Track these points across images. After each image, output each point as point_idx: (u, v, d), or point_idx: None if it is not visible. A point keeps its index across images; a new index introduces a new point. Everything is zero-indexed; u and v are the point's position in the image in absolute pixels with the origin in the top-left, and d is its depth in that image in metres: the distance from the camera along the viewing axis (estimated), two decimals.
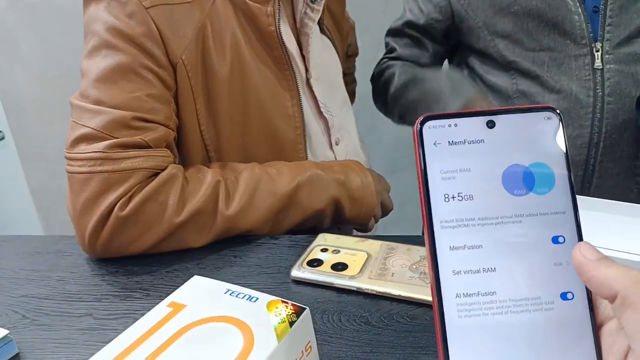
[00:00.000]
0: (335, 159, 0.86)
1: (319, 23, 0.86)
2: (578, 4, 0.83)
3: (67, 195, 0.65)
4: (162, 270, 0.65)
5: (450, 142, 0.29)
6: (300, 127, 0.79)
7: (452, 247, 0.29)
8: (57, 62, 1.88)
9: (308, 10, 0.80)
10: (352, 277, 0.58)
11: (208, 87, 0.72)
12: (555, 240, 0.29)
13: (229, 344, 0.40)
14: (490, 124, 0.30)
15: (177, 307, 0.45)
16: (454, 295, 0.28)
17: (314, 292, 0.58)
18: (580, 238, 0.29)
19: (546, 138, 0.29)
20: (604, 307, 0.28)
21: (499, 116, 0.30)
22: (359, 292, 0.57)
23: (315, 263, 0.61)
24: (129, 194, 0.63)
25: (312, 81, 0.83)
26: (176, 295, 0.46)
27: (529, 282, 0.28)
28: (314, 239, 0.66)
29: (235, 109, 0.74)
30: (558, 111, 0.30)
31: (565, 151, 0.29)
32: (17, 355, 0.52)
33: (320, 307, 0.56)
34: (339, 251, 0.63)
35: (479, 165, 0.29)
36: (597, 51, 0.82)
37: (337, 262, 0.61)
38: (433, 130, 0.29)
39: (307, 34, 0.81)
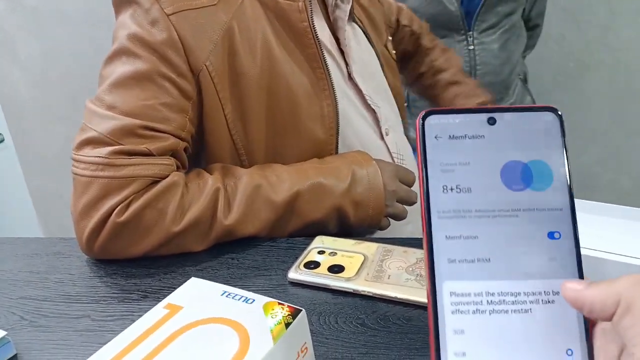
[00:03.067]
0: (388, 148, 0.84)
1: (350, 13, 0.84)
2: (457, 5, 1.34)
3: (71, 196, 0.66)
4: (160, 272, 0.65)
5: (451, 136, 0.30)
6: (333, 127, 0.76)
7: (448, 236, 0.29)
8: (56, 65, 1.89)
9: (339, 2, 0.80)
10: (348, 279, 0.58)
11: (238, 90, 0.71)
12: (551, 235, 0.29)
13: (225, 345, 0.40)
14: (491, 121, 0.30)
15: (173, 309, 0.45)
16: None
17: (310, 294, 0.59)
18: (576, 235, 0.29)
19: (546, 137, 0.30)
20: None
21: (500, 114, 0.30)
22: (355, 294, 0.57)
23: (312, 265, 0.61)
24: (127, 200, 0.63)
25: (354, 75, 0.81)
26: (173, 297, 0.47)
27: (522, 275, 0.29)
28: (311, 242, 0.67)
29: (266, 110, 0.73)
30: (559, 112, 0.30)
31: (564, 151, 0.30)
32: (15, 356, 0.52)
33: (317, 309, 0.56)
34: (335, 253, 0.63)
35: (478, 159, 0.30)
36: (470, 37, 1.36)
37: (333, 264, 0.61)
38: (435, 125, 0.30)
39: (342, 27, 0.80)
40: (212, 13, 0.68)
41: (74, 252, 0.71)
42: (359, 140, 0.81)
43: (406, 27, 1.14)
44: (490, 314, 0.28)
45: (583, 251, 0.49)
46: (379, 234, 0.79)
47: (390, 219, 0.77)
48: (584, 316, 0.28)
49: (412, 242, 0.65)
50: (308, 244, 0.66)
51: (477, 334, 0.28)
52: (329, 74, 0.76)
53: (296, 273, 0.61)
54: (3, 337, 0.52)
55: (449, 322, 0.28)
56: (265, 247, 0.69)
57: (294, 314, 0.43)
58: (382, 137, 0.85)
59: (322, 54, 0.76)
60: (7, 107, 1.98)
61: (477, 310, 0.28)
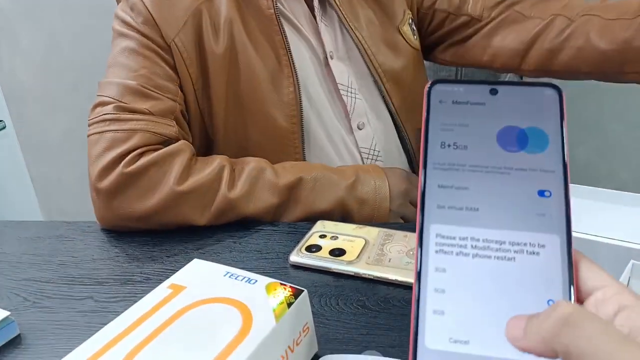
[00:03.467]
0: (356, 143, 0.83)
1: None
2: None
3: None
4: (163, 255, 0.66)
5: (454, 101, 0.32)
6: (295, 115, 0.77)
7: (440, 185, 0.30)
8: (57, 52, 1.88)
9: None
10: (349, 263, 0.59)
11: (204, 68, 0.76)
12: (541, 193, 0.30)
13: (228, 324, 0.41)
14: (493, 92, 0.32)
15: (177, 289, 0.46)
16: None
17: (312, 277, 0.59)
18: (567, 196, 0.30)
19: (545, 108, 0.31)
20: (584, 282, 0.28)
21: (502, 86, 0.32)
22: (356, 277, 0.58)
23: (313, 249, 0.62)
24: (135, 152, 0.67)
25: (332, 61, 0.81)
26: (176, 277, 0.47)
27: (509, 226, 0.29)
28: (313, 226, 0.67)
29: (229, 92, 0.77)
30: (559, 87, 0.31)
31: (561, 122, 0.31)
32: (18, 336, 0.53)
33: (318, 291, 0.56)
34: (337, 237, 0.64)
35: (477, 122, 0.31)
36: None
37: (335, 247, 0.62)
38: (440, 92, 0.32)
39: (316, 9, 0.81)
40: None
41: (77, 236, 0.71)
42: (325, 132, 0.81)
43: (442, 12, 0.93)
44: (473, 257, 0.29)
45: (577, 234, 0.50)
46: None
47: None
48: (569, 272, 0.28)
49: (413, 228, 0.65)
50: (310, 228, 0.67)
51: (458, 274, 0.29)
52: (293, 62, 0.77)
53: (297, 256, 0.61)
54: (6, 318, 0.52)
55: (432, 260, 0.29)
56: (267, 231, 0.69)
57: (296, 294, 0.44)
58: (351, 131, 0.83)
59: (287, 40, 0.77)
60: (8, 94, 1.98)
61: (460, 252, 0.29)
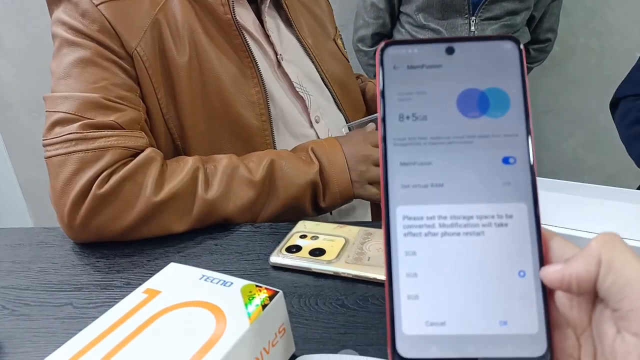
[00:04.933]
0: (317, 136, 0.86)
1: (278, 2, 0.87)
2: None
3: (49, 182, 0.67)
4: (143, 259, 0.65)
5: (409, 66, 0.30)
6: (265, 113, 0.79)
7: (402, 162, 0.29)
8: (42, 55, 1.87)
9: None
10: (329, 262, 0.59)
11: (169, 77, 0.74)
12: (505, 160, 0.29)
13: (202, 327, 0.41)
14: (450, 51, 0.30)
15: (152, 294, 0.46)
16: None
17: (292, 277, 0.59)
18: (531, 160, 0.29)
19: (504, 65, 0.30)
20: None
21: (459, 43, 0.30)
22: (335, 277, 0.58)
23: (293, 249, 0.62)
24: (107, 171, 0.65)
25: (283, 63, 0.84)
26: (152, 282, 0.47)
27: (475, 199, 0.29)
28: (294, 226, 0.67)
29: (197, 99, 0.76)
30: (519, 40, 0.30)
31: (522, 78, 0.29)
32: None
33: (298, 292, 0.56)
34: (317, 237, 0.64)
35: (434, 88, 0.30)
36: (473, 22, 1.49)
37: (315, 247, 0.62)
38: (393, 56, 0.30)
39: (265, 14, 0.83)
40: (138, 5, 0.72)
41: (58, 242, 0.71)
42: (288, 128, 0.83)
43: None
44: (442, 236, 0.28)
45: (560, 229, 0.49)
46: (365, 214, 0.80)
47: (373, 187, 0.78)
48: (537, 240, 0.28)
49: None
50: (290, 229, 0.67)
51: (429, 255, 0.28)
52: (256, 63, 0.78)
53: (278, 257, 0.61)
54: None
55: (401, 245, 0.28)
56: (248, 232, 0.69)
57: (271, 296, 0.44)
58: (311, 125, 0.86)
59: (247, 43, 0.78)
60: None
61: (429, 232, 0.28)
